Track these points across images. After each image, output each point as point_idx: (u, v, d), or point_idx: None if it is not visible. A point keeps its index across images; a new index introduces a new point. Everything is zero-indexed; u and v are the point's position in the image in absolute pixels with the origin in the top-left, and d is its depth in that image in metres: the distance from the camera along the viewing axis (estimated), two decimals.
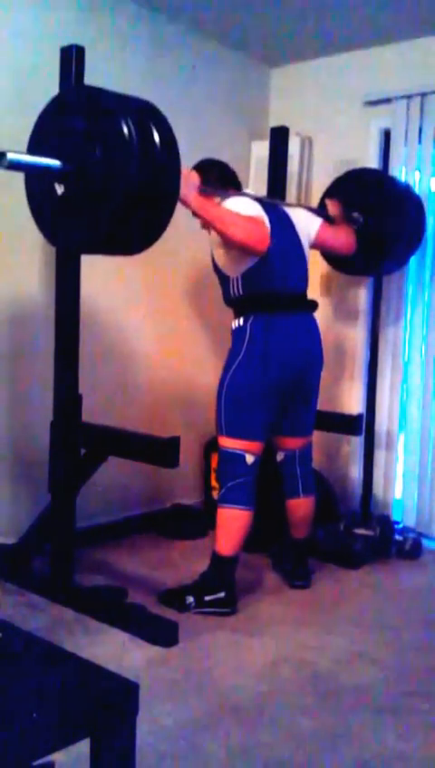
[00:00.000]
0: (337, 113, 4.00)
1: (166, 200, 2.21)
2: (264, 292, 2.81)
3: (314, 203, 3.97)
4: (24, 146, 2.37)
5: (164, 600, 2.79)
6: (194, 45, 3.82)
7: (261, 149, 3.83)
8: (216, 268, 2.89)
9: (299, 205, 3.36)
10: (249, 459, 2.79)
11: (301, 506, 3.08)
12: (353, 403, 3.96)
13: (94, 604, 2.69)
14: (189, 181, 2.57)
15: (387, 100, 3.74)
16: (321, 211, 3.25)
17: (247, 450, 2.79)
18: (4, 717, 1.15)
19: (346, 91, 3.94)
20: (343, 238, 3.15)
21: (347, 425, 3.60)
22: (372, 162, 3.88)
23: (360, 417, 3.65)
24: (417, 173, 3.67)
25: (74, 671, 1.33)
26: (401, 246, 3.44)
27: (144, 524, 3.65)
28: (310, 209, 3.20)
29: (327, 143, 4.04)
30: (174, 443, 2.53)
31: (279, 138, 3.47)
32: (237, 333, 2.83)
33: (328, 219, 3.21)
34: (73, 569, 2.81)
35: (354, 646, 2.56)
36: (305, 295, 2.96)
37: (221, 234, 2.65)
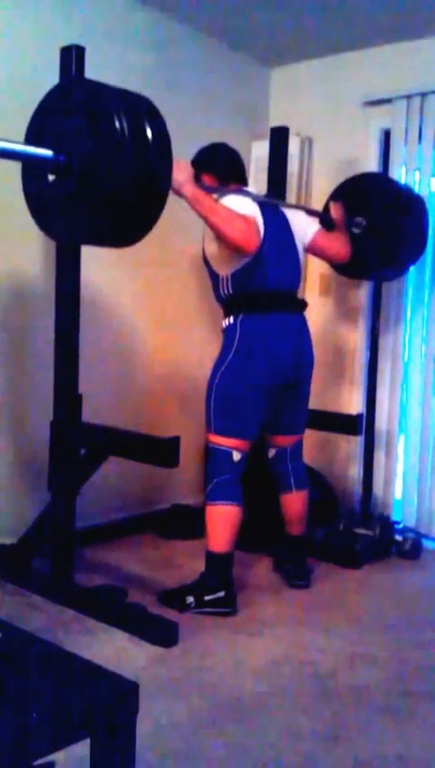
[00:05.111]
0: (337, 113, 4.00)
1: (157, 194, 2.20)
2: (254, 291, 2.82)
3: (314, 203, 3.97)
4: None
5: (164, 600, 2.79)
6: (194, 45, 3.82)
7: (261, 149, 3.83)
8: (206, 264, 2.89)
9: (300, 207, 3.36)
10: (236, 457, 2.80)
11: (294, 501, 3.08)
12: (353, 403, 3.96)
13: (94, 604, 2.69)
14: (183, 171, 2.58)
15: (387, 101, 3.74)
16: (321, 214, 3.25)
17: (234, 448, 2.80)
18: (4, 717, 1.14)
19: (346, 91, 3.94)
20: (336, 247, 3.16)
21: (347, 425, 3.60)
22: (372, 162, 3.88)
23: (360, 416, 3.65)
24: (417, 173, 3.67)
25: (74, 671, 1.33)
26: (403, 253, 3.42)
27: (144, 524, 3.65)
28: (310, 212, 3.20)
29: (327, 143, 4.04)
30: (174, 443, 2.53)
31: (279, 138, 3.46)
32: (228, 332, 2.84)
33: (329, 222, 3.21)
34: (73, 569, 2.81)
35: (354, 646, 2.56)
36: (296, 295, 2.97)
37: (212, 227, 2.65)
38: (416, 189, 3.63)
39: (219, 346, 2.89)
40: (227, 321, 2.85)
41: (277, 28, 3.73)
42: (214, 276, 2.88)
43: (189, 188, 2.59)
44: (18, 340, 3.19)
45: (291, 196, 3.83)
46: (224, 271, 2.82)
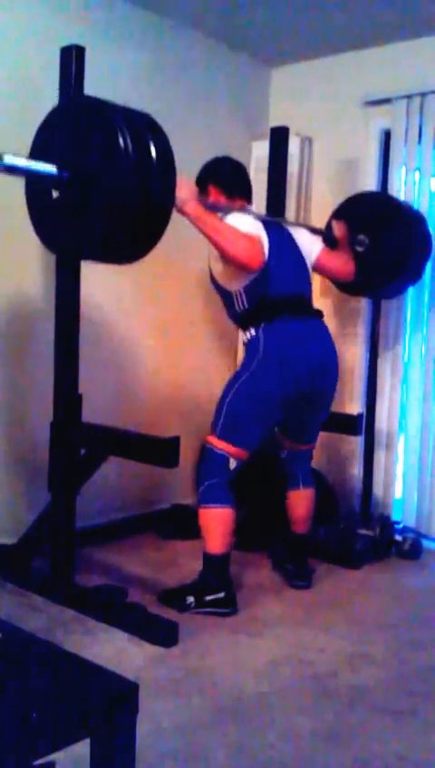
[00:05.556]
0: (337, 113, 4.00)
1: (160, 213, 2.22)
2: (270, 299, 2.80)
3: (314, 204, 3.98)
4: (23, 148, 2.37)
5: (164, 599, 2.79)
6: (194, 45, 3.82)
7: (261, 149, 3.83)
8: (215, 283, 2.88)
9: (302, 224, 3.36)
10: (232, 464, 2.79)
11: (301, 498, 3.09)
12: (353, 403, 3.96)
13: (94, 604, 2.69)
14: (187, 189, 2.56)
15: (387, 101, 3.73)
16: (324, 232, 3.25)
17: (233, 455, 2.78)
18: (4, 717, 1.15)
19: (346, 91, 3.94)
20: (341, 265, 3.17)
21: (347, 425, 3.59)
22: (372, 162, 3.88)
23: (360, 416, 3.65)
24: (417, 173, 3.67)
25: (74, 671, 1.33)
26: (406, 271, 3.42)
27: (144, 524, 3.65)
28: (313, 230, 3.20)
29: (327, 143, 4.04)
30: (174, 443, 2.53)
31: (279, 138, 3.47)
32: (252, 343, 2.80)
33: (333, 240, 3.21)
34: (73, 569, 2.81)
35: (354, 646, 2.56)
36: (311, 301, 2.97)
37: (216, 246, 2.64)
38: (415, 190, 3.63)
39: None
40: (248, 333, 2.82)
41: (277, 28, 3.72)
42: (226, 294, 2.86)
43: (192, 207, 2.57)
44: (19, 341, 3.19)
45: (291, 197, 3.83)
46: (235, 287, 2.81)
